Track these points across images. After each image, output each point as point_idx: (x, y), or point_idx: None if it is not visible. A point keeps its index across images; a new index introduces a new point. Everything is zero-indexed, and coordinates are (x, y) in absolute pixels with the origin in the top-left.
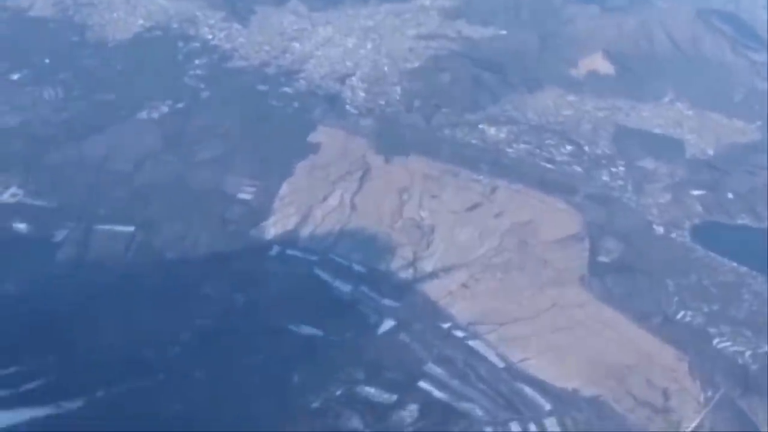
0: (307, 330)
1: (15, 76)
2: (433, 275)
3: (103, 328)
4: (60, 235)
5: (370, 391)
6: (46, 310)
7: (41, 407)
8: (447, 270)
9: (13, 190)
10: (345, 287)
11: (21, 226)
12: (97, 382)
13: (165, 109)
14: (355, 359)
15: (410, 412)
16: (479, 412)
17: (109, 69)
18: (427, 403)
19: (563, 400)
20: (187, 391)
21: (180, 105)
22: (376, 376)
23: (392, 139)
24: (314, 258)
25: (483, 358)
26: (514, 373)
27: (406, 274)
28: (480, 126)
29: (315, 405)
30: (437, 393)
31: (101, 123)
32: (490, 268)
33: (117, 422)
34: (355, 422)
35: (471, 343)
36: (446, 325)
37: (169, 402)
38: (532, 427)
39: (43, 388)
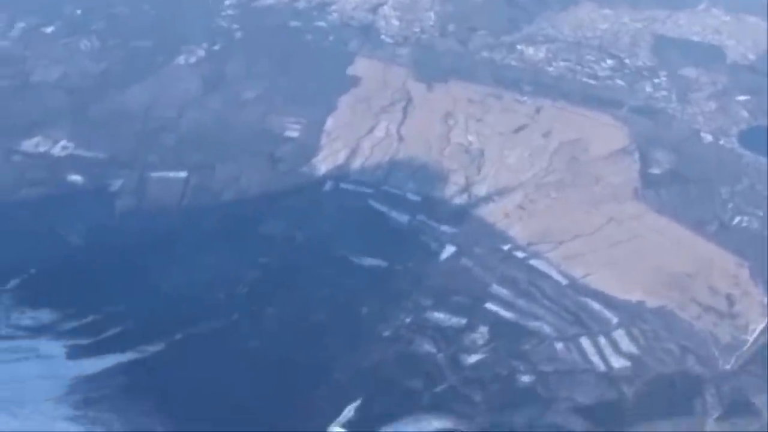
0: (369, 261)
1: (48, 30)
2: (487, 199)
3: (172, 273)
4: (115, 185)
5: (439, 316)
6: (114, 259)
7: (124, 353)
8: (501, 192)
9: (63, 143)
10: (402, 217)
11: (76, 178)
12: (174, 325)
13: (201, 53)
14: (421, 287)
15: (481, 334)
16: (548, 329)
17: (142, 16)
18: (497, 324)
19: (629, 313)
20: (262, 328)
21: (216, 47)
22: (444, 302)
23: (431, 65)
24: (368, 190)
25: (546, 277)
26: (578, 289)
27: (461, 200)
28: (518, 47)
29: (386, 333)
30: (505, 313)
31: (141, 71)
32: (543, 187)
33: (199, 362)
34: (428, 347)
35: (532, 262)
36: (506, 247)
37: (245, 340)
38: (602, 340)
39: (123, 334)
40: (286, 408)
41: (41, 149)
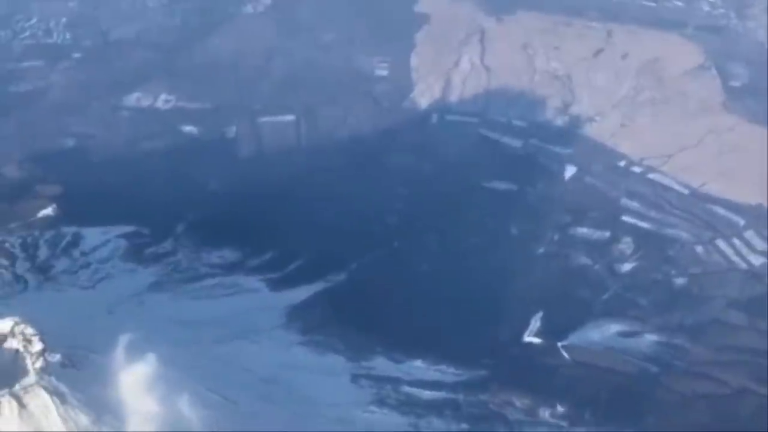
0: (500, 185)
1: None
2: (589, 119)
3: (321, 209)
4: (230, 132)
5: (583, 231)
6: (260, 200)
7: (313, 283)
8: (600, 113)
9: (164, 96)
10: (515, 142)
11: (190, 129)
12: (345, 256)
13: (267, 1)
14: (556, 205)
15: (627, 244)
16: (686, 236)
17: None
18: (638, 235)
19: (753, 215)
20: (426, 253)
21: None
22: (582, 218)
23: None
24: (474, 120)
25: (668, 188)
26: (699, 197)
27: (563, 122)
28: None
29: (541, 250)
30: (642, 224)
31: (213, 22)
32: (638, 105)
33: (384, 287)
34: (584, 260)
35: (651, 176)
36: (622, 163)
37: (415, 264)
38: (737, 241)
39: (305, 267)
40: (477, 322)
41: (144, 104)
